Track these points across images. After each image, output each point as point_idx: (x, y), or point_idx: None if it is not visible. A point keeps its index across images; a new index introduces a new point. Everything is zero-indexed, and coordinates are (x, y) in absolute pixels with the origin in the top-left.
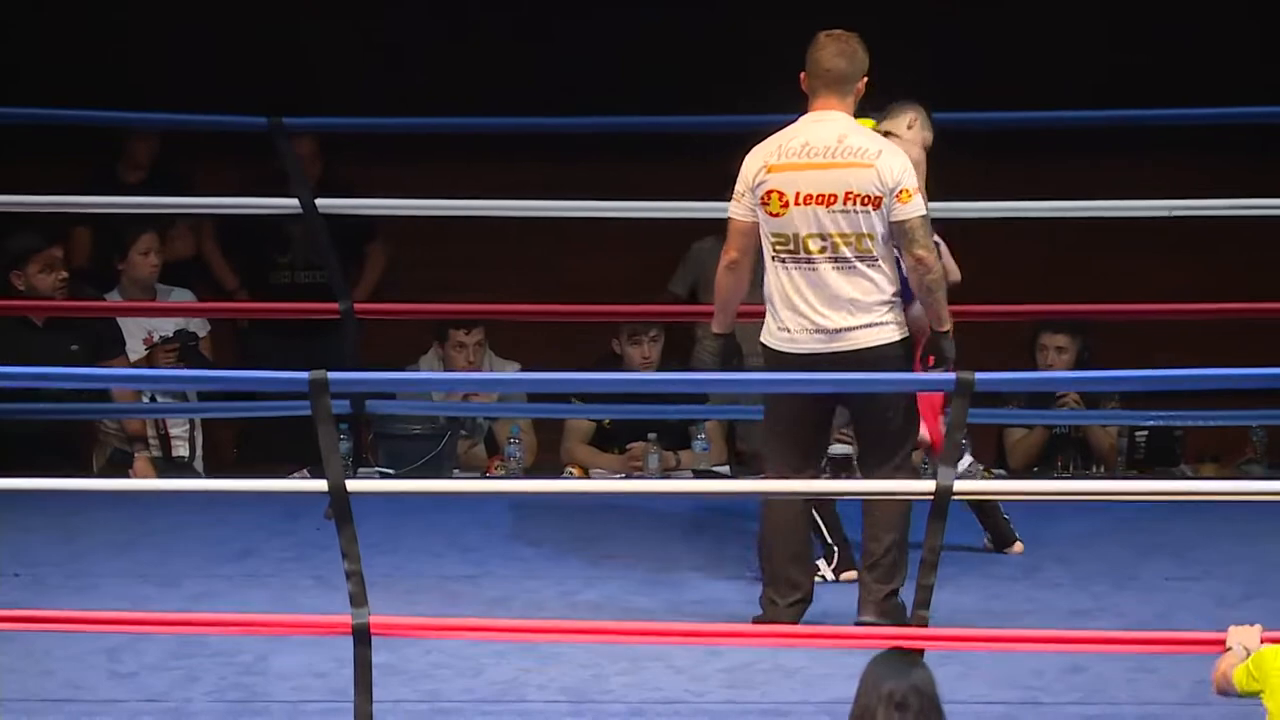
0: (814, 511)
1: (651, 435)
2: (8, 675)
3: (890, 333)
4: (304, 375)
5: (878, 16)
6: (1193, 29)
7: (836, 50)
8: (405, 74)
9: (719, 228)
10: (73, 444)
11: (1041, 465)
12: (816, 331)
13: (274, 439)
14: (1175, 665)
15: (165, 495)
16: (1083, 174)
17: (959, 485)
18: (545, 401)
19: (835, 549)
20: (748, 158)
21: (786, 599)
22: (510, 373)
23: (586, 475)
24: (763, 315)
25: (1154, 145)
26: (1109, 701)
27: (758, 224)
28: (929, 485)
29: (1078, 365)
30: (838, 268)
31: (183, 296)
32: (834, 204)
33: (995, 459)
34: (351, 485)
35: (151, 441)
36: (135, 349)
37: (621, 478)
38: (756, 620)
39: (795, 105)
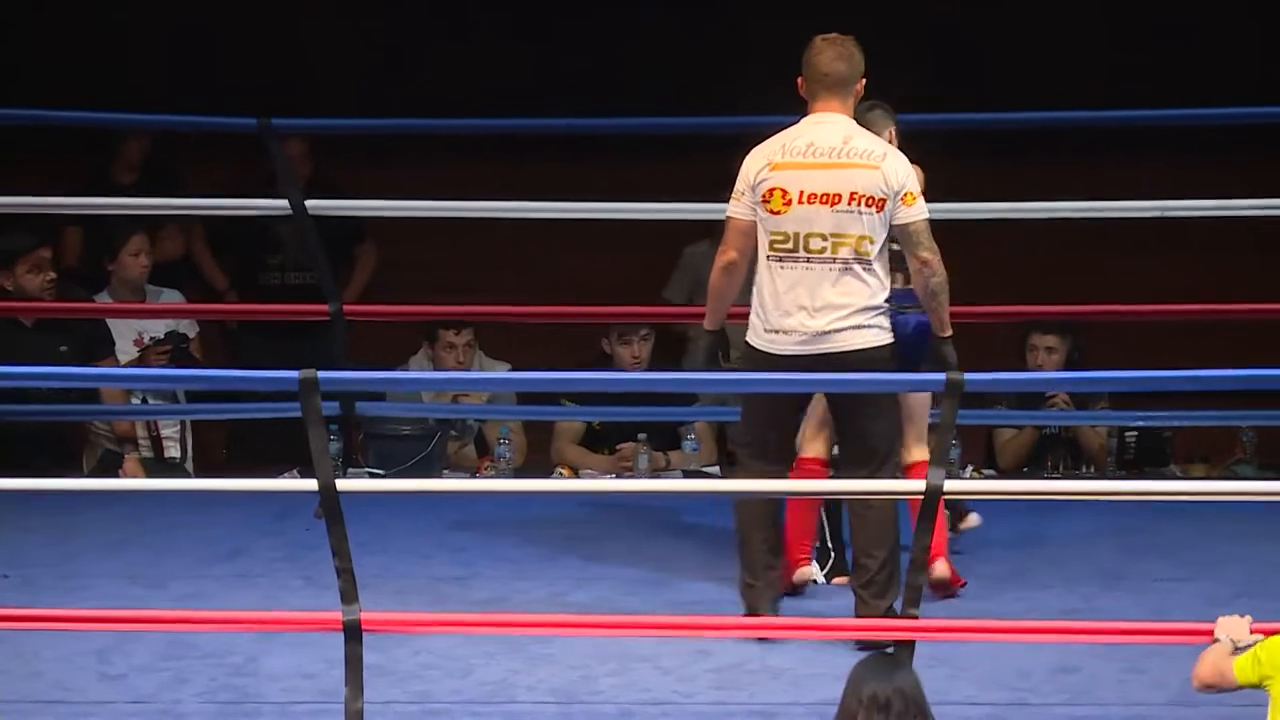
0: (822, 513)
1: (641, 436)
2: None
3: (877, 336)
4: (294, 375)
5: (878, 17)
6: (1193, 29)
7: (835, 54)
8: (405, 74)
9: (715, 230)
10: (64, 445)
11: (1031, 466)
12: (804, 333)
13: (264, 440)
14: (1165, 666)
15: (156, 496)
16: (1082, 174)
17: (949, 485)
18: (535, 403)
19: (832, 553)
20: (748, 157)
21: (762, 579)
22: (500, 373)
23: (576, 475)
24: None
25: (1154, 145)
26: (1097, 703)
27: (756, 224)
28: (919, 485)
29: (1068, 366)
30: (833, 269)
31: (172, 298)
32: (838, 204)
33: (985, 459)
34: (341, 485)
35: (142, 442)
36: (126, 350)
37: (612, 478)
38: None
39: (795, 106)
